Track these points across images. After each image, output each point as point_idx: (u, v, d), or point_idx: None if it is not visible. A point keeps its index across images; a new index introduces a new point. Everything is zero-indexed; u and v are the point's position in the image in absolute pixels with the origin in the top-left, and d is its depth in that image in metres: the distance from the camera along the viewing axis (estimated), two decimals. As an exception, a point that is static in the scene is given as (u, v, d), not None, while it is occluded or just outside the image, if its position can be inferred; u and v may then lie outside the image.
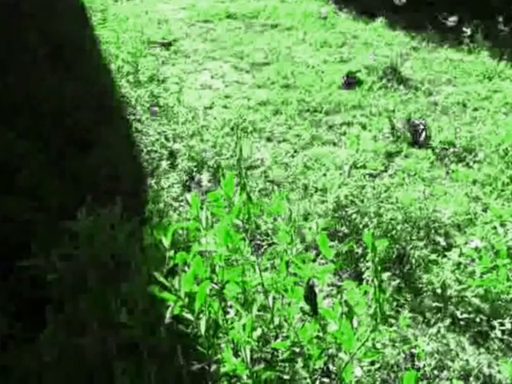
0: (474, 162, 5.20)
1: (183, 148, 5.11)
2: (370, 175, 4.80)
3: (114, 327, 2.32)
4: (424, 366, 3.28)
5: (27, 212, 3.36)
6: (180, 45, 8.13)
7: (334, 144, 5.54)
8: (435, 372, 3.26)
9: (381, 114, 6.01)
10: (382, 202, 4.37)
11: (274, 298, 2.42)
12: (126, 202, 3.01)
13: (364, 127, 5.81)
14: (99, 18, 7.98)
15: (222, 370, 2.21)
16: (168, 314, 2.07)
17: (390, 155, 5.25)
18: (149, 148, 5.04)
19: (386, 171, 4.95)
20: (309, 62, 7.52)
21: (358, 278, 3.73)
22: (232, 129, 5.51)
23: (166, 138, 5.23)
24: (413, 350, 3.37)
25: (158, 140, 5.20)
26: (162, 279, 2.07)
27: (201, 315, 2.22)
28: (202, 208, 2.48)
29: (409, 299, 3.79)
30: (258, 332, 2.41)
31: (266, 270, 2.52)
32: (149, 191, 4.22)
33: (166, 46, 7.92)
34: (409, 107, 6.21)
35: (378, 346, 3.38)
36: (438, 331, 3.50)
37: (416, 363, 3.31)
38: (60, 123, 4.50)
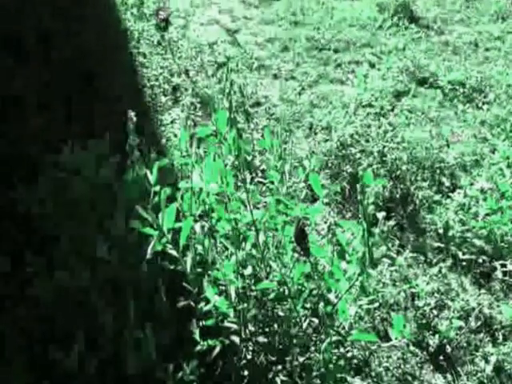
0: (484, 102, 5.10)
1: (187, 83, 5.02)
2: (377, 114, 4.71)
3: (96, 263, 2.28)
4: (424, 305, 3.26)
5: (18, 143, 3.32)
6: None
7: (342, 82, 5.44)
8: (434, 311, 3.25)
9: (390, 52, 5.87)
10: (387, 141, 4.29)
11: (265, 237, 2.36)
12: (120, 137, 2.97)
13: (373, 66, 5.68)
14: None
15: (205, 308, 2.18)
16: (149, 250, 2.02)
17: (397, 94, 5.14)
18: (152, 83, 4.94)
19: (392, 110, 4.86)
20: (319, -1, 7.33)
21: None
22: (237, 65, 5.40)
23: (170, 73, 5.13)
24: (413, 290, 3.36)
25: (161, 74, 5.10)
26: (143, 213, 2.01)
27: (187, 252, 2.18)
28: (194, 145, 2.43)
29: (411, 239, 3.77)
30: (249, 270, 2.38)
31: (257, 207, 2.45)
32: (149, 127, 4.16)
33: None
34: (420, 46, 6.07)
35: (378, 286, 3.40)
36: (440, 271, 3.47)
37: (416, 302, 3.30)
38: (63, 55, 4.42)
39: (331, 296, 2.30)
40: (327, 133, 4.56)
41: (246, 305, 2.24)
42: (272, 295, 2.34)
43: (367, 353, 3.01)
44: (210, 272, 2.23)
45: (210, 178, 2.30)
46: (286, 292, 2.29)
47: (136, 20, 5.71)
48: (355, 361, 2.95)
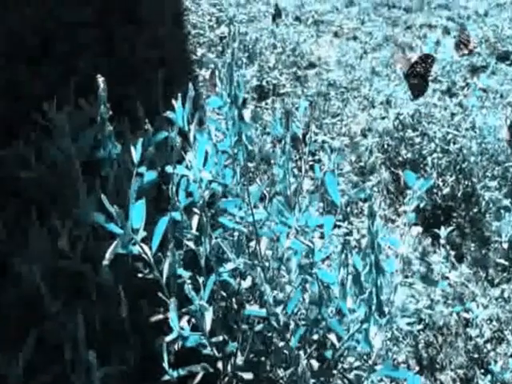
0: None
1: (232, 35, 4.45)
2: (445, 92, 4.10)
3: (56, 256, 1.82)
4: (478, 335, 2.75)
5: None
6: None
7: (411, 48, 4.82)
8: (490, 345, 2.73)
9: (469, 17, 5.21)
10: (454, 126, 3.71)
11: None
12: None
13: (448, 32, 5.04)
14: None
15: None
16: (108, 254, 1.57)
17: (472, 70, 4.50)
18: (196, 31, 4.41)
19: (464, 88, 4.23)
20: None
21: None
22: (294, 20, 4.83)
23: (218, 21, 4.59)
24: (467, 314, 2.84)
25: (209, 21, 4.57)
26: (107, 205, 1.54)
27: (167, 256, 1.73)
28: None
29: (472, 249, 3.24)
30: (248, 282, 1.92)
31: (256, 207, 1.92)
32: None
33: None
34: (504, 13, 5.36)
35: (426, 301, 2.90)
36: (502, 294, 2.93)
37: (468, 330, 2.79)
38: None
39: (333, 337, 1.81)
40: (386, 108, 3.99)
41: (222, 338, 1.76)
42: (259, 327, 1.85)
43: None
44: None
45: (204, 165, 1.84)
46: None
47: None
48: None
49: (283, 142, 1.85)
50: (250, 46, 4.36)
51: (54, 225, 1.84)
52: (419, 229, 2.05)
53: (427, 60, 3.52)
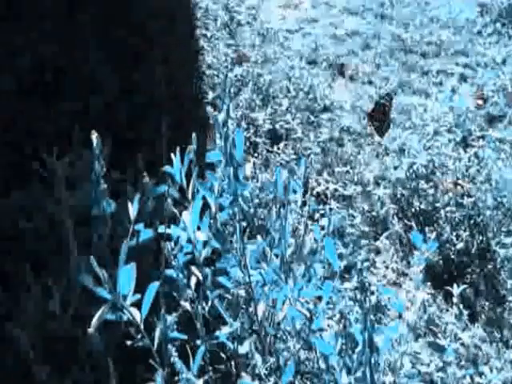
0: None
1: (249, 76, 4.42)
2: (460, 142, 4.02)
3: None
4: (490, 403, 2.63)
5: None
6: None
7: (427, 95, 4.75)
8: (502, 415, 2.61)
9: (487, 65, 5.13)
10: (468, 177, 3.63)
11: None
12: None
13: (465, 79, 4.96)
14: None
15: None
16: (94, 321, 1.48)
17: (490, 119, 4.42)
18: (211, 71, 4.37)
19: (480, 139, 4.15)
20: (413, -10, 6.58)
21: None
22: (309, 63, 4.77)
23: (233, 62, 4.55)
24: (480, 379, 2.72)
25: (224, 62, 4.53)
26: (96, 268, 1.47)
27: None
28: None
29: (486, 308, 3.13)
30: (246, 347, 1.81)
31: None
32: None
33: None
34: (523, 62, 5.30)
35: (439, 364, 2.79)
36: (517, 358, 2.83)
37: (481, 396, 2.67)
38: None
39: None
40: (398, 156, 3.91)
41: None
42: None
43: None
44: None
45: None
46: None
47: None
48: None
49: (279, 206, 1.78)
50: (264, 88, 4.31)
51: (46, 283, 1.77)
52: (425, 294, 1.95)
53: (387, 99, 3.69)
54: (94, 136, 1.78)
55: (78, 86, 3.33)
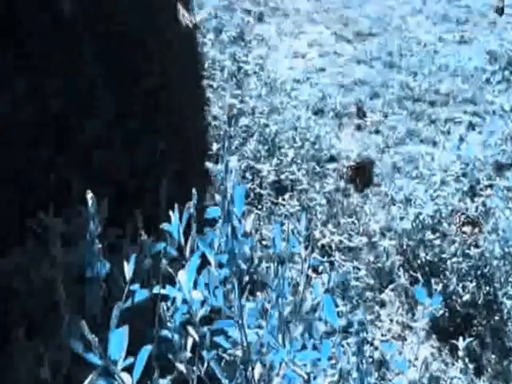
0: None
1: (255, 126, 4.42)
2: (467, 191, 3.97)
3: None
4: None
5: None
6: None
7: (434, 144, 4.73)
8: None
9: (495, 113, 5.10)
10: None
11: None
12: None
13: (473, 128, 4.94)
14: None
15: None
16: None
17: (499, 168, 4.36)
18: (216, 122, 4.38)
19: (489, 187, 4.10)
20: (421, 38, 6.60)
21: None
22: (316, 113, 4.78)
23: (239, 112, 4.56)
24: None
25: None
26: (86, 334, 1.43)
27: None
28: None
29: (493, 361, 3.05)
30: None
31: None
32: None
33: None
34: (530, 110, 5.27)
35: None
36: (523, 416, 2.74)
37: None
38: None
39: None
40: (405, 206, 3.87)
41: None
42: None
43: None
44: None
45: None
46: None
47: (212, 47, 5.17)
48: None
49: (276, 263, 1.75)
50: (270, 139, 4.31)
51: (38, 347, 1.75)
52: (429, 350, 1.90)
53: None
54: (89, 196, 1.76)
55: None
